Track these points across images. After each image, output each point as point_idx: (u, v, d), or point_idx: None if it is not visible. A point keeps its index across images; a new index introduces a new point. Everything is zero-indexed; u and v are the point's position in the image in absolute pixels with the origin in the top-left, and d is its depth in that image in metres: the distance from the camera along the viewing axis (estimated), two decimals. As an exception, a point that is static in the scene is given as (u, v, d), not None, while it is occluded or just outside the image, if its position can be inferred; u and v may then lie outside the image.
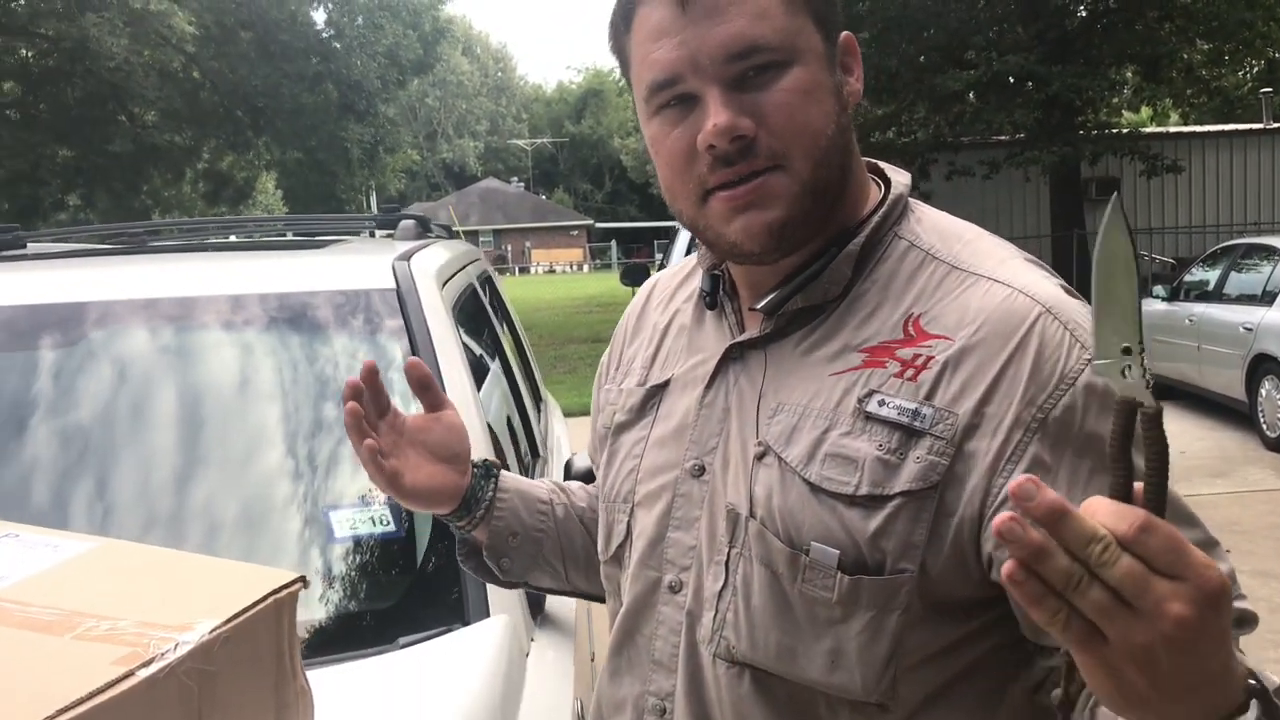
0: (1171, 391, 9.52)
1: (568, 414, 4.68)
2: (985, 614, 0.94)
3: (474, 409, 1.98)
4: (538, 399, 3.51)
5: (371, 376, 1.15)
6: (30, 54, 21.58)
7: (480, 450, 1.88)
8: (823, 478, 0.94)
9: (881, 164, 1.10)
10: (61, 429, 1.89)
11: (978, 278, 0.98)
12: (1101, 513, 0.64)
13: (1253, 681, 0.69)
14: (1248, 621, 0.87)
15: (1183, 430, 8.56)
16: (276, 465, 1.89)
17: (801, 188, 0.97)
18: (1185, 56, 18.74)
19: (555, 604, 1.91)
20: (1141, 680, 0.64)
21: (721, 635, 0.99)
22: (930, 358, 0.94)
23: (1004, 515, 0.61)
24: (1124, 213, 0.71)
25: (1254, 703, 0.68)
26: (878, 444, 0.93)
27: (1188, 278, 10.15)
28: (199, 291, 2.11)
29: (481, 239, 52.39)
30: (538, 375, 3.81)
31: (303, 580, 1.26)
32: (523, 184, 60.14)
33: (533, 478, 1.41)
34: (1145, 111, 24.50)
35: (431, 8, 24.85)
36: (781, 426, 0.98)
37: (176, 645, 1.04)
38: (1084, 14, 18.16)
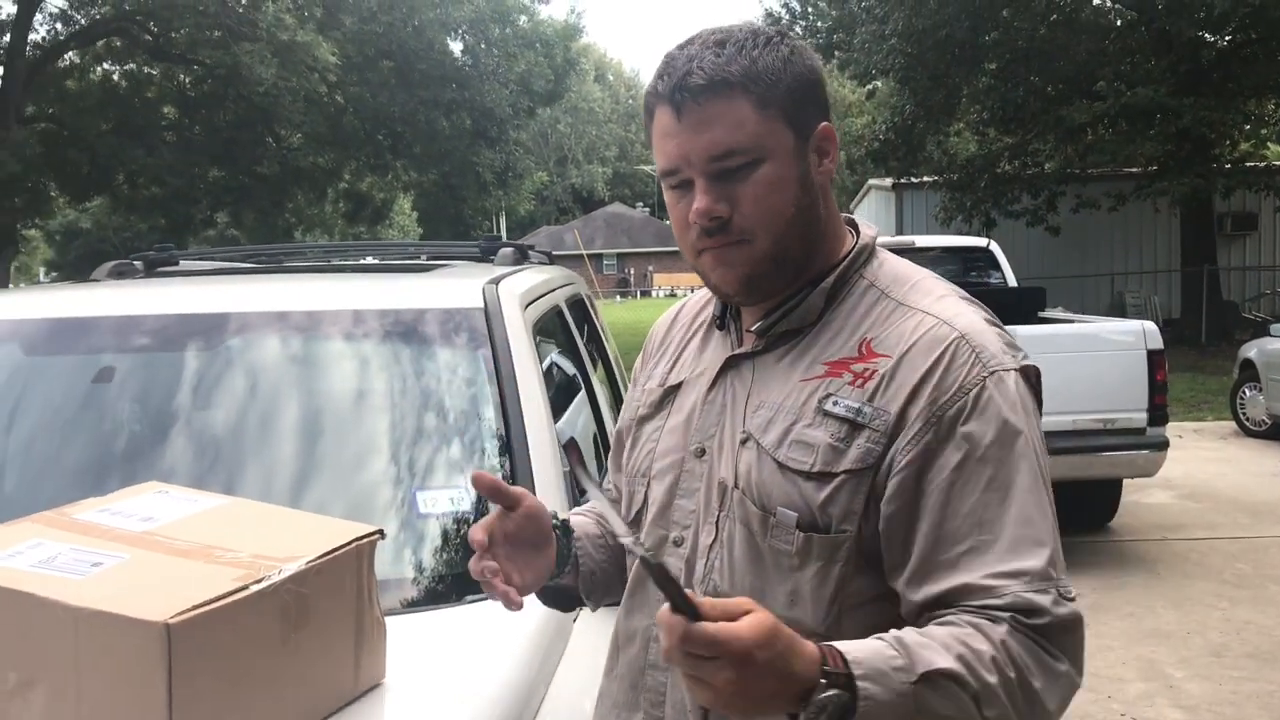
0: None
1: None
2: None
3: (545, 421, 2.30)
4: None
5: (492, 491, 1.28)
6: (188, 80, 22.97)
7: (551, 466, 2.19)
8: (788, 458, 1.24)
9: (856, 219, 1.40)
10: (204, 416, 2.29)
11: (915, 310, 1.27)
12: (665, 628, 0.97)
13: (826, 667, 1.02)
14: (1037, 611, 1.12)
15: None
16: (375, 451, 2.26)
17: (763, 255, 1.27)
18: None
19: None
20: (733, 704, 0.99)
21: (710, 578, 1.30)
22: (875, 371, 1.23)
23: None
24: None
25: (822, 682, 1.01)
26: (830, 434, 1.22)
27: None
28: (320, 306, 2.50)
29: (605, 262, 53.07)
30: (623, 386, 4.13)
31: (380, 533, 1.61)
32: (648, 209, 60.77)
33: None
34: (1288, 145, 23.65)
35: (565, 39, 25.55)
36: (761, 419, 1.28)
37: (280, 571, 1.40)
38: (1224, 44, 17.66)
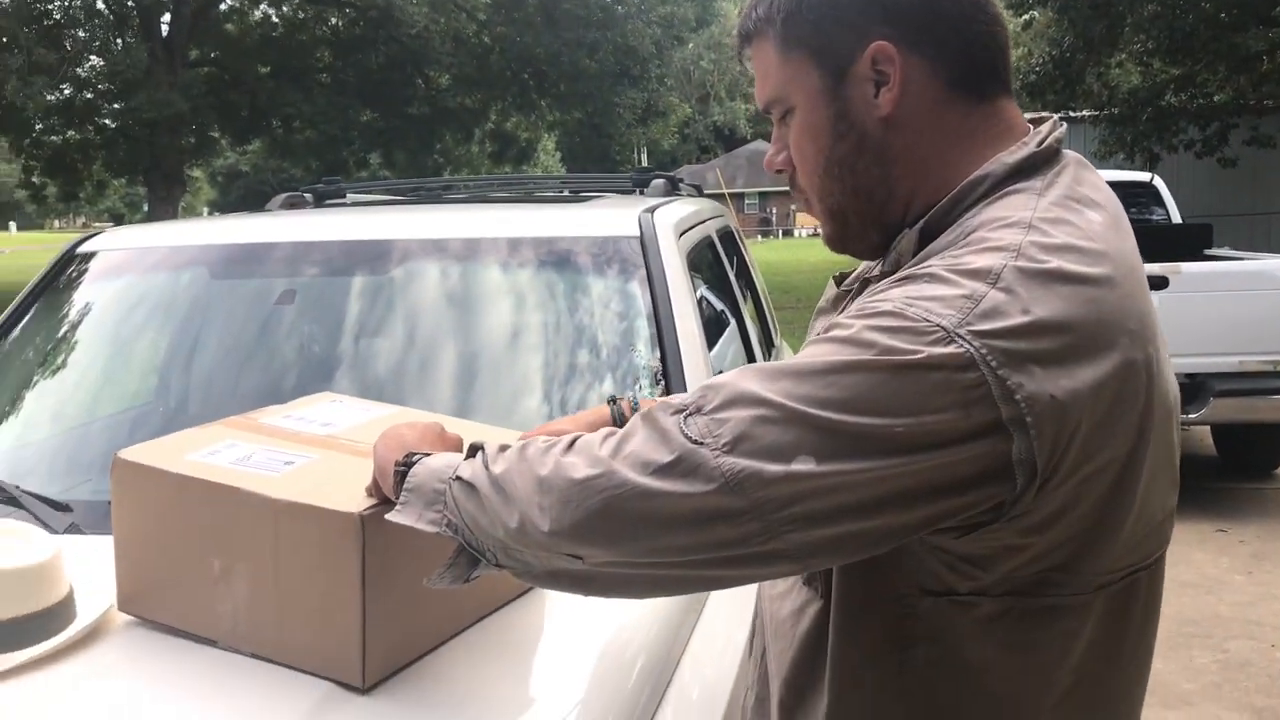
0: None
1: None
2: None
3: (700, 347, 2.34)
4: (769, 345, 3.85)
5: None
6: (340, 23, 23.55)
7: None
8: None
9: (1047, 140, 1.11)
10: (375, 336, 2.42)
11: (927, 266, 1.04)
12: None
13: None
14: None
15: None
16: (532, 373, 2.35)
17: (820, 211, 1.18)
18: None
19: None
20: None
21: None
22: None
23: None
24: None
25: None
26: None
27: None
28: (484, 234, 2.60)
29: (747, 201, 52.62)
30: (771, 321, 4.15)
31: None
32: (793, 147, 59.78)
33: None
34: None
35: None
36: None
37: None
38: None
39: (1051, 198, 1.06)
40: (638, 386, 2.26)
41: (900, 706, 1.11)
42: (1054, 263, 0.98)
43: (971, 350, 0.93)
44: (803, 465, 0.94)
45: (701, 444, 0.96)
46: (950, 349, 0.93)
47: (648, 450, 0.98)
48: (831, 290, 1.31)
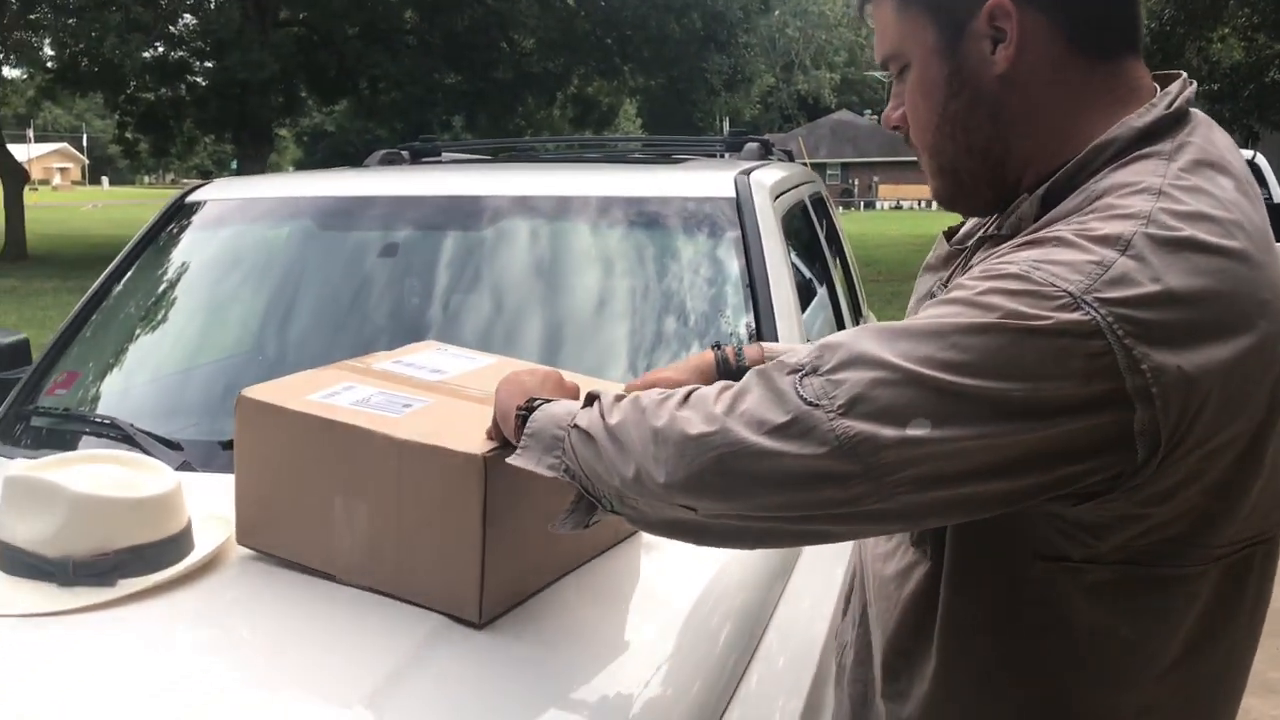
0: None
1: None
2: None
3: (793, 309, 2.35)
4: (857, 312, 3.84)
5: None
6: (427, -17, 23.75)
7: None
8: None
9: (1177, 100, 1.08)
10: (470, 292, 2.47)
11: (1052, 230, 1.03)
12: None
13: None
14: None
15: None
16: (629, 331, 2.38)
17: (932, 169, 1.17)
18: None
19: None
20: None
21: None
22: None
23: None
24: None
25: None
26: None
27: None
28: (582, 192, 2.63)
29: (829, 172, 52.05)
30: (859, 290, 4.13)
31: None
32: (876, 117, 59.12)
33: None
34: None
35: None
36: None
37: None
38: None
39: (1182, 163, 1.03)
40: (741, 334, 2.28)
41: (1008, 671, 1.12)
42: (1186, 231, 0.96)
43: (1098, 318, 0.91)
44: (918, 430, 0.93)
45: (817, 405, 0.96)
46: (1076, 315, 0.92)
47: (763, 409, 0.99)
48: (942, 248, 1.29)
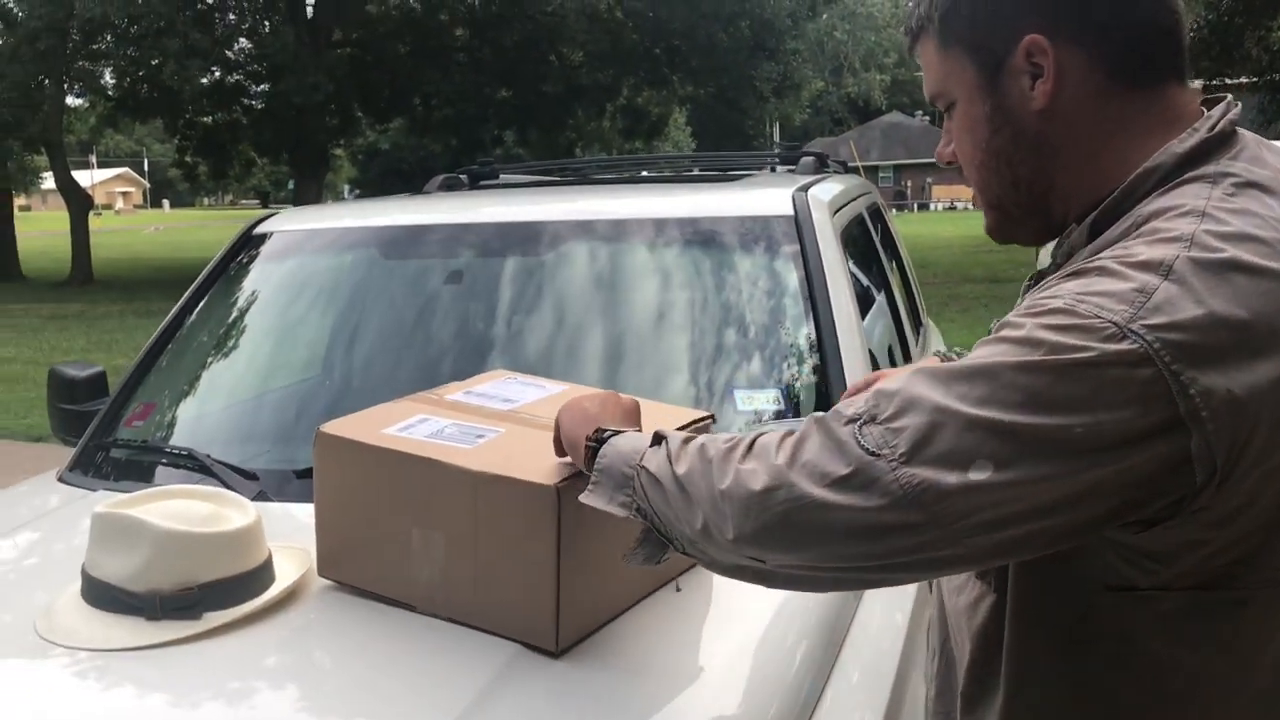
0: None
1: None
2: None
3: (855, 326, 2.35)
4: (917, 323, 3.82)
5: None
6: (476, 1, 23.96)
7: (863, 372, 2.23)
8: None
9: (1222, 122, 1.09)
10: (536, 316, 2.50)
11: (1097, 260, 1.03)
12: None
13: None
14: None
15: None
16: (693, 350, 2.39)
17: (984, 204, 1.19)
18: None
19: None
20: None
21: None
22: None
23: None
24: None
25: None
26: None
27: None
28: (642, 214, 2.65)
29: (881, 175, 51.71)
30: (919, 301, 4.11)
31: (711, 417, 1.72)
32: (928, 118, 58.57)
33: None
34: None
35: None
36: None
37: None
38: None
39: (1227, 184, 1.03)
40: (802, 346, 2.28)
41: (1077, 701, 1.11)
42: (1229, 252, 0.95)
43: (1145, 345, 0.91)
44: (980, 474, 0.93)
45: (878, 455, 0.96)
46: (1124, 345, 0.91)
47: (824, 461, 0.98)
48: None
